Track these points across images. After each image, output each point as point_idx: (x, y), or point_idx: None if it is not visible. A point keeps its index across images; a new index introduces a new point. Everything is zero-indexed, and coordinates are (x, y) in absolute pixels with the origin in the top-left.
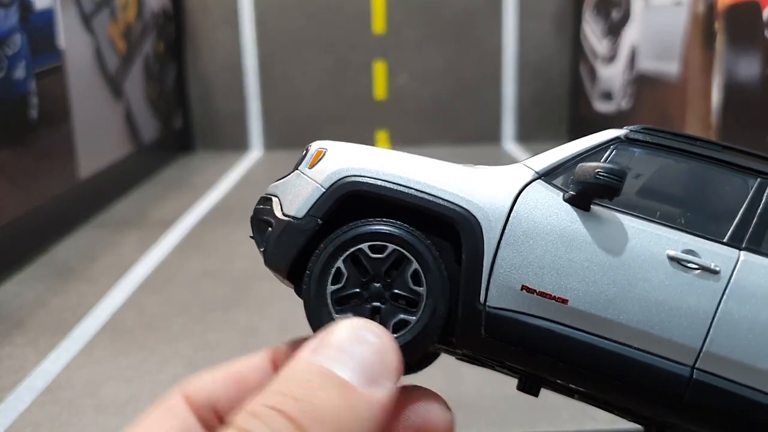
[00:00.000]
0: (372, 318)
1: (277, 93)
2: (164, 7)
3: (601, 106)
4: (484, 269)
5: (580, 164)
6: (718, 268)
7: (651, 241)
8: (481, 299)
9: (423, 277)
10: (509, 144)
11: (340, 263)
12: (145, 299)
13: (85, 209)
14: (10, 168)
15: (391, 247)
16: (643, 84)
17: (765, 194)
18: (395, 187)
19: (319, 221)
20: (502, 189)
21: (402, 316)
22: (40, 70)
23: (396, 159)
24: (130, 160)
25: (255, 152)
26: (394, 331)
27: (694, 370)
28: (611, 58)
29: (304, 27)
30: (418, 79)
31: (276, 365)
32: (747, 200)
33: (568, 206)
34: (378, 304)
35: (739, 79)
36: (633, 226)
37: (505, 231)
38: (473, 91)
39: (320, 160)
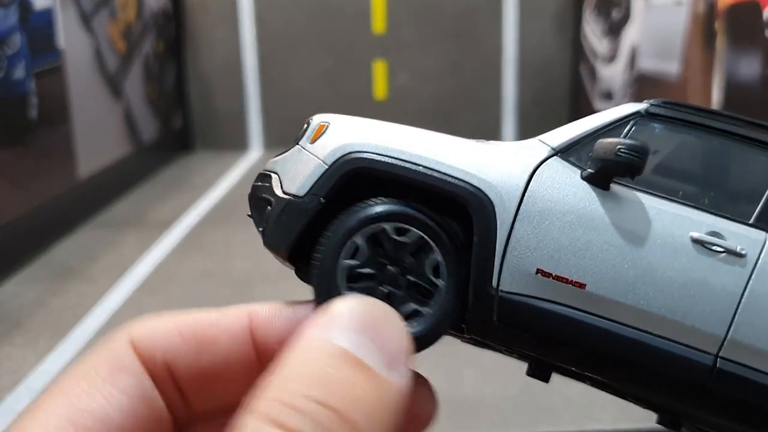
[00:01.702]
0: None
1: (277, 92)
2: (164, 6)
3: (602, 106)
4: (497, 252)
5: (599, 140)
6: (744, 251)
7: (673, 222)
8: (494, 284)
9: (445, 271)
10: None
11: (359, 239)
12: (145, 299)
13: (85, 209)
14: (10, 168)
15: (416, 232)
16: (643, 83)
17: None
18: (402, 164)
19: (322, 200)
20: (517, 166)
21: (414, 305)
22: (40, 70)
23: (403, 133)
24: (130, 160)
25: (254, 152)
26: (405, 320)
27: (718, 359)
28: (611, 57)
29: (303, 26)
30: (418, 78)
31: (254, 334)
32: None
33: (586, 185)
34: (391, 288)
35: (739, 78)
36: (654, 206)
37: (520, 211)
38: (473, 90)
39: (323, 134)
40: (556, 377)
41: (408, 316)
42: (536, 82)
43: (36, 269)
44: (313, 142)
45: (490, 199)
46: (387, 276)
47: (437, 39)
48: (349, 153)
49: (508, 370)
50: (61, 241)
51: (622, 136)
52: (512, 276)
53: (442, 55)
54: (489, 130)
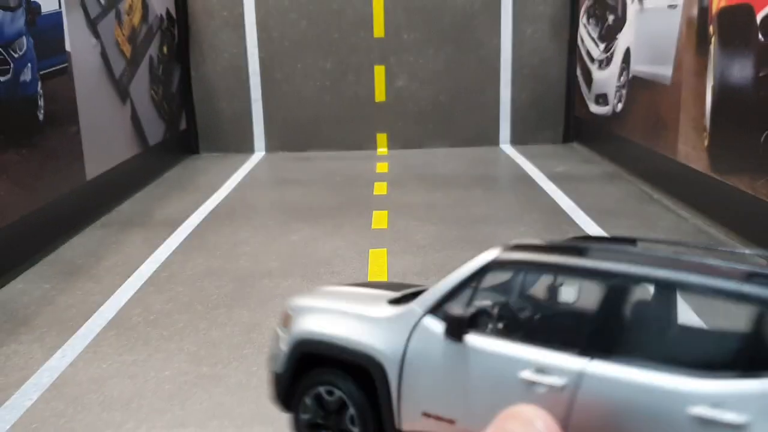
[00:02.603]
0: None
1: (279, 95)
2: (168, 10)
3: (597, 109)
4: (393, 401)
5: (446, 304)
6: (562, 384)
7: (508, 364)
8: (396, 424)
9: (358, 421)
10: (507, 145)
11: (307, 399)
12: (150, 297)
13: (92, 209)
14: (18, 168)
15: (338, 394)
16: (637, 87)
17: (613, 298)
18: (329, 345)
19: (292, 373)
20: (399, 332)
21: None
22: (47, 73)
23: (331, 311)
24: (136, 162)
25: (258, 154)
26: None
27: None
28: (606, 61)
29: (305, 31)
30: (417, 81)
31: None
32: (598, 306)
33: (446, 340)
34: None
35: (732, 81)
36: (495, 351)
37: (403, 369)
38: (471, 93)
39: (289, 323)
40: None
41: None
42: (533, 84)
43: (43, 267)
44: (285, 326)
45: (381, 364)
46: (331, 423)
47: (436, 43)
48: (298, 340)
49: None
50: (68, 240)
51: (477, 287)
52: (407, 418)
53: (440, 58)
54: (487, 132)
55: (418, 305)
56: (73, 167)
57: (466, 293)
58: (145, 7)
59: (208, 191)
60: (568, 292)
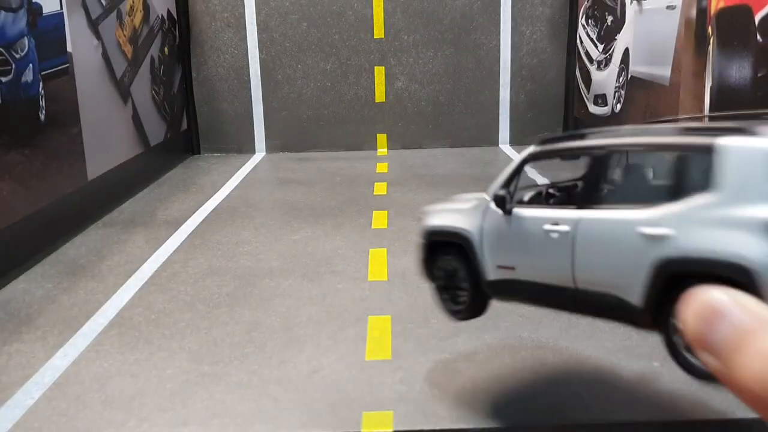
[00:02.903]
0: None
1: (280, 96)
2: (170, 11)
3: (596, 109)
4: (479, 261)
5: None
6: (567, 229)
7: (536, 222)
8: (485, 276)
9: (466, 278)
10: (506, 145)
11: (437, 271)
12: (152, 296)
13: (94, 209)
14: (20, 168)
15: (453, 264)
16: (636, 87)
17: (597, 165)
18: (447, 232)
19: (426, 255)
20: (478, 215)
21: (461, 296)
22: (49, 74)
23: (438, 215)
24: (138, 162)
25: (258, 154)
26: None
27: (577, 287)
28: (605, 62)
29: (306, 32)
30: (417, 82)
31: None
32: (587, 173)
33: (502, 215)
34: (454, 292)
35: (731, 82)
36: (531, 215)
37: (482, 239)
38: (471, 93)
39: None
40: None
41: (460, 303)
42: (532, 85)
43: (45, 267)
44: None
45: (469, 239)
46: (450, 285)
47: (435, 44)
48: (424, 232)
49: (503, 365)
50: (70, 239)
51: (520, 176)
52: (489, 271)
53: (440, 59)
54: (486, 132)
55: (487, 196)
56: (75, 167)
57: (514, 181)
58: (146, 8)
59: (209, 191)
60: (572, 168)
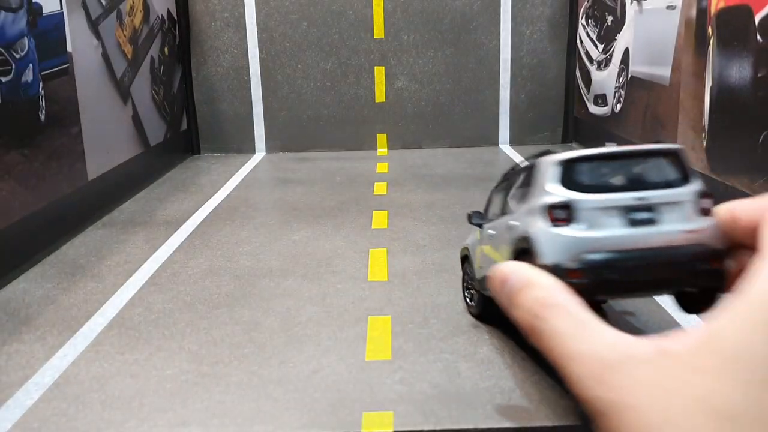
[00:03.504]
0: None
1: (280, 96)
2: (170, 11)
3: (596, 109)
4: (471, 265)
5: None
6: (494, 232)
7: (485, 230)
8: (474, 276)
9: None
10: (506, 145)
11: (464, 275)
12: (152, 296)
13: (94, 209)
14: (20, 168)
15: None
16: (636, 87)
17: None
18: (463, 247)
19: (462, 261)
20: (475, 234)
21: None
22: (49, 74)
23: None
24: (138, 162)
25: (258, 154)
26: None
27: None
28: (605, 62)
29: (306, 32)
30: (417, 82)
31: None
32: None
33: (479, 230)
34: None
35: (731, 82)
36: (486, 226)
37: (474, 248)
38: (471, 93)
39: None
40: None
41: (471, 299)
42: (532, 85)
43: (45, 267)
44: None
45: (468, 248)
46: (470, 285)
47: (435, 44)
48: (461, 249)
49: (503, 365)
50: (70, 239)
51: (490, 202)
52: (476, 272)
53: (440, 59)
54: (487, 132)
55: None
56: (75, 167)
57: (488, 205)
58: (146, 8)
59: (209, 191)
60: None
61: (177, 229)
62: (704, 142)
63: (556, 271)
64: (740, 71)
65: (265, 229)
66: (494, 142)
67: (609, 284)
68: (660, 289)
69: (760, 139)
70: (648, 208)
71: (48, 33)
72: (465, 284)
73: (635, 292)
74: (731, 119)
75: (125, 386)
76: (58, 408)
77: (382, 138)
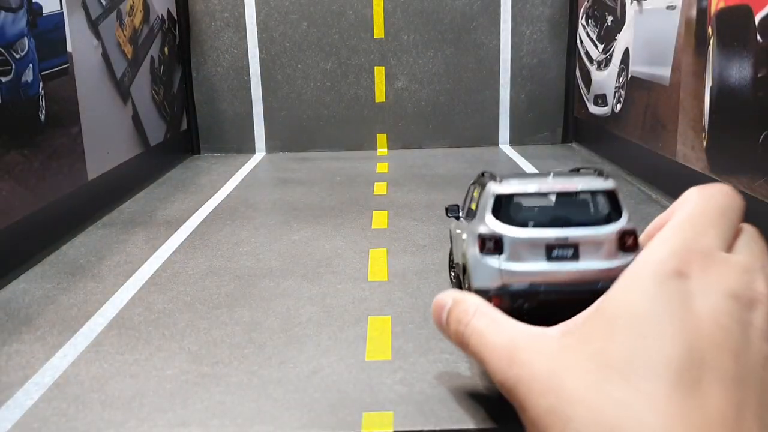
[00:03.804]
0: None
1: (280, 96)
2: (170, 11)
3: (596, 109)
4: (452, 252)
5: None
6: (459, 231)
7: (455, 228)
8: (453, 261)
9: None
10: (506, 145)
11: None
12: (152, 297)
13: (93, 209)
14: (21, 169)
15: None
16: (636, 87)
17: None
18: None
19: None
20: (451, 225)
21: None
22: (49, 74)
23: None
24: (138, 162)
25: (258, 154)
26: None
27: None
28: (605, 62)
29: (305, 32)
30: (417, 82)
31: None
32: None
33: (455, 222)
34: None
35: (731, 82)
36: (455, 224)
37: (453, 241)
38: (471, 94)
39: None
40: None
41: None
42: (532, 85)
43: (45, 267)
44: None
45: (451, 243)
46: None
47: (435, 44)
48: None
49: None
50: (70, 239)
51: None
52: (455, 259)
53: (440, 59)
54: (487, 132)
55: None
56: (75, 167)
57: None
58: (146, 8)
59: (209, 191)
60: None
61: (177, 229)
62: (704, 142)
63: (482, 294)
64: (740, 71)
65: (265, 229)
66: (494, 142)
67: (526, 312)
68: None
69: (760, 139)
70: (569, 245)
71: (48, 33)
72: (450, 262)
73: (552, 318)
74: (731, 119)
75: (125, 386)
76: (58, 408)
77: (382, 138)
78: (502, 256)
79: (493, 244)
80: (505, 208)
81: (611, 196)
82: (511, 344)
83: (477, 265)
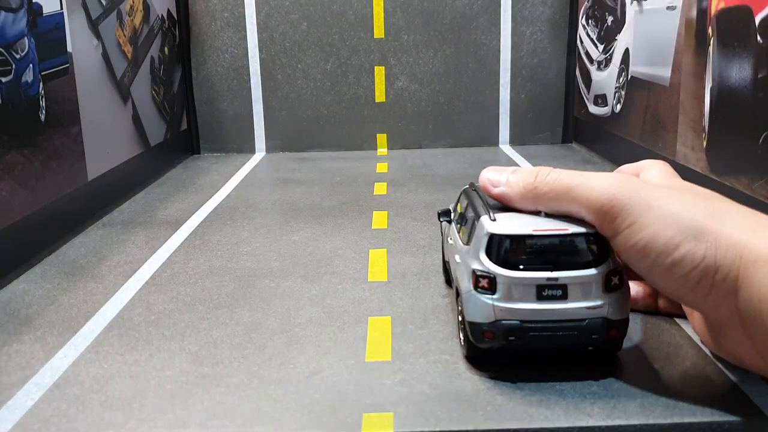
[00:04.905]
0: None
1: (280, 96)
2: (170, 11)
3: (596, 110)
4: (443, 247)
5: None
6: (458, 259)
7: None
8: (445, 259)
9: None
10: (506, 145)
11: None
12: (152, 297)
13: (93, 209)
14: (21, 169)
15: None
16: (636, 87)
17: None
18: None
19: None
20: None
21: None
22: (49, 74)
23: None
24: (138, 162)
25: (258, 154)
26: None
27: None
28: (605, 62)
29: (306, 32)
30: (417, 82)
31: None
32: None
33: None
34: None
35: (731, 83)
36: (447, 228)
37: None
38: (471, 94)
39: None
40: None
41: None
42: (532, 85)
43: (45, 267)
44: None
45: (442, 251)
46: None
47: (436, 44)
48: None
49: (503, 366)
50: (70, 239)
51: (458, 201)
52: (447, 255)
53: (440, 59)
54: (486, 132)
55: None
56: (75, 167)
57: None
58: (146, 7)
59: (209, 191)
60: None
61: (177, 230)
62: (704, 143)
63: (475, 328)
64: (740, 72)
65: (265, 230)
66: (494, 142)
67: (516, 346)
68: (563, 349)
69: (760, 139)
70: (558, 286)
71: (48, 33)
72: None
73: (541, 351)
74: (731, 120)
75: (125, 387)
76: (58, 409)
77: (382, 138)
78: (496, 294)
79: (486, 283)
80: (497, 248)
81: (599, 237)
82: (613, 179)
83: (471, 299)
